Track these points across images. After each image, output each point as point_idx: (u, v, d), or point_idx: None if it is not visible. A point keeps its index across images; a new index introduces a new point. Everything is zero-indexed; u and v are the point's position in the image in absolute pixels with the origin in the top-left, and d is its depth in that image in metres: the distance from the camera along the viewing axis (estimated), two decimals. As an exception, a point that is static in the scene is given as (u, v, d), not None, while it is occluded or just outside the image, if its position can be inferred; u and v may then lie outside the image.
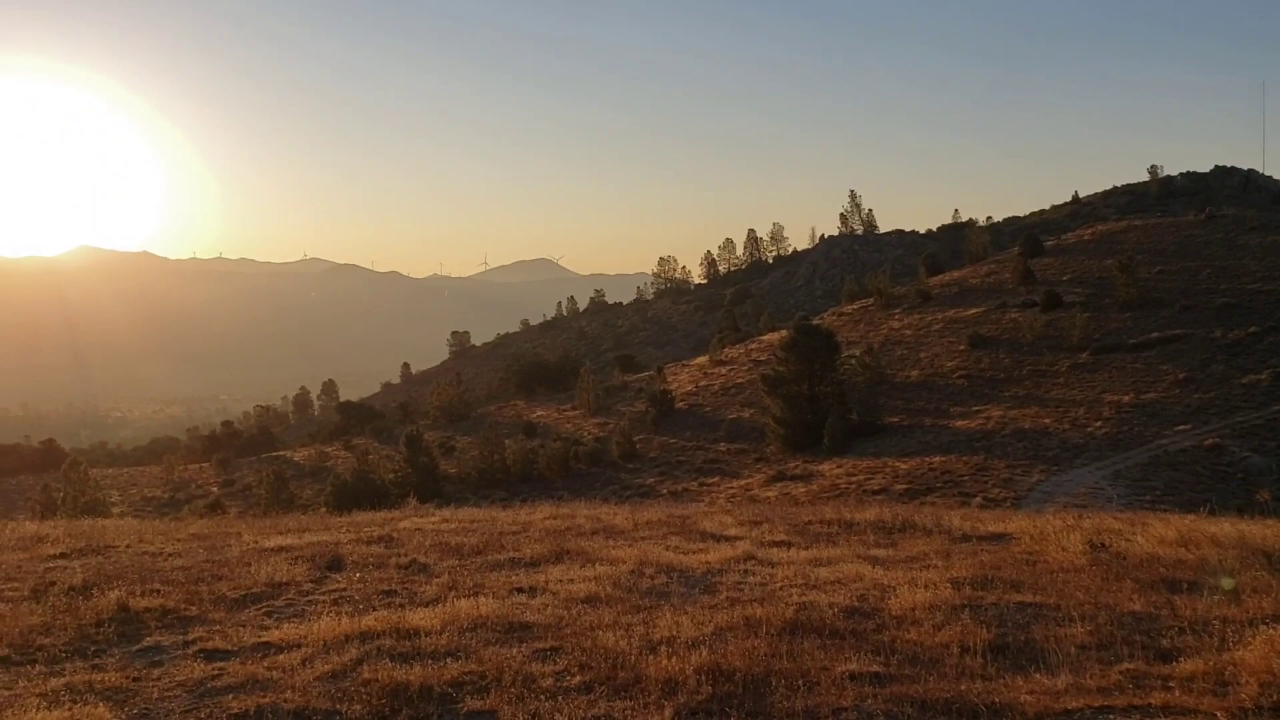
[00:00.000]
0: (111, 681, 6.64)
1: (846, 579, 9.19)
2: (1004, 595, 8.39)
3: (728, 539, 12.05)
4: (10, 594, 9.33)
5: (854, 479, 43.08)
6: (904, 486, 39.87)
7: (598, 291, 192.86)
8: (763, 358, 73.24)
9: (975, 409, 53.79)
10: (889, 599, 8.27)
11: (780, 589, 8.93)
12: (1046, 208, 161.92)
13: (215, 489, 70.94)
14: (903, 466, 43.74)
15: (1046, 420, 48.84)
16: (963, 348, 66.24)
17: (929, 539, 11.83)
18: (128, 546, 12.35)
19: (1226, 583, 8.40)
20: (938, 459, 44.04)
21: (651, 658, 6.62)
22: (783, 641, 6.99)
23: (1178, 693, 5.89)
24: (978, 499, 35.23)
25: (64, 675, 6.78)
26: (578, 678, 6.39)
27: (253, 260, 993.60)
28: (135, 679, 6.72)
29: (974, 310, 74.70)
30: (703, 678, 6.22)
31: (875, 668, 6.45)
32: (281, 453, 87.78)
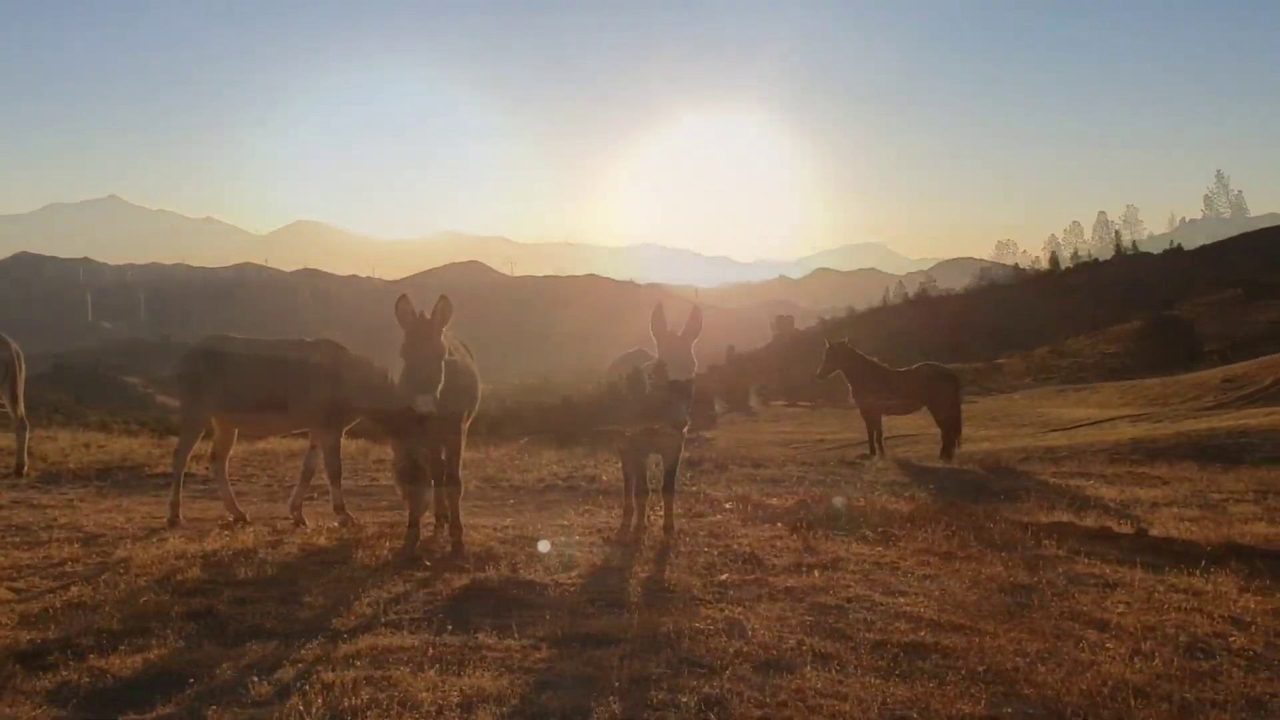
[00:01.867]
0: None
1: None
2: None
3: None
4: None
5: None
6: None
7: (928, 276, 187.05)
8: (1111, 349, 68.95)
9: (1361, 414, 48.08)
10: None
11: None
12: None
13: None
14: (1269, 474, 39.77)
15: None
16: (1346, 344, 59.27)
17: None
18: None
19: None
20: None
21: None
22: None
23: None
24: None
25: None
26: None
27: (593, 245, 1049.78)
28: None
29: (1365, 302, 66.11)
30: None
31: None
32: (614, 428, 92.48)
